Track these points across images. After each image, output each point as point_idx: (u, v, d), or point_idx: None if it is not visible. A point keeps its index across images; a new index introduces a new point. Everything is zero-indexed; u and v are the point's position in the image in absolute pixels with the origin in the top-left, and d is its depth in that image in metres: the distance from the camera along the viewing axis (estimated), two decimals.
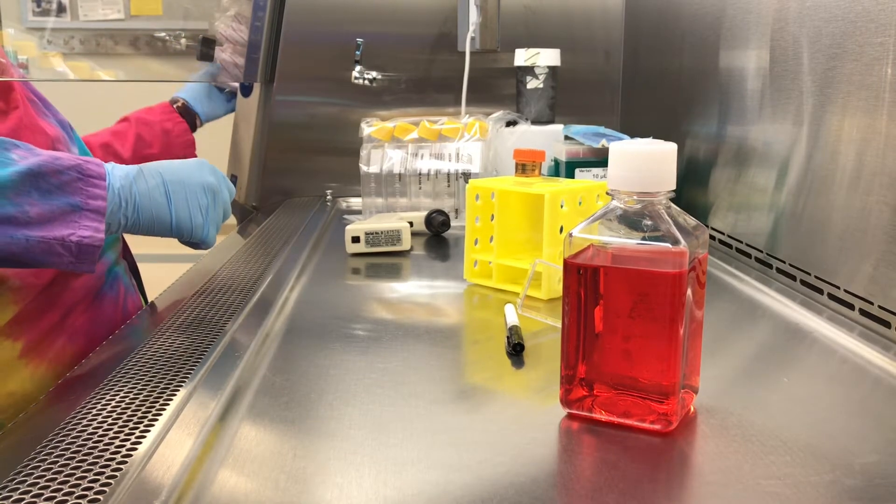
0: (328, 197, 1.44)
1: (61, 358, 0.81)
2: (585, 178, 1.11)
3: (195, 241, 0.82)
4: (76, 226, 0.69)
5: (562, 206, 0.83)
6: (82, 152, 0.90)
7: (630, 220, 0.52)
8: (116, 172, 0.76)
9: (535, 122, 1.33)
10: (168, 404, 0.56)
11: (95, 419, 0.53)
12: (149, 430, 0.52)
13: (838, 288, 0.76)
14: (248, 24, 1.39)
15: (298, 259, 0.99)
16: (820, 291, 0.79)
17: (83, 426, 0.52)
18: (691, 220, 0.54)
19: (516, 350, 0.67)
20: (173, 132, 1.30)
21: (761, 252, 0.92)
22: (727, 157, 1.02)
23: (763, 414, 0.56)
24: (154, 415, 0.54)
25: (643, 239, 0.52)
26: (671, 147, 0.52)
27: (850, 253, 0.74)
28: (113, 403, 0.56)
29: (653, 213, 0.52)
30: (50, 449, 0.49)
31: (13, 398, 0.77)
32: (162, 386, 0.59)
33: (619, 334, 0.53)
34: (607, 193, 0.53)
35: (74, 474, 0.46)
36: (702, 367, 0.57)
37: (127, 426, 0.52)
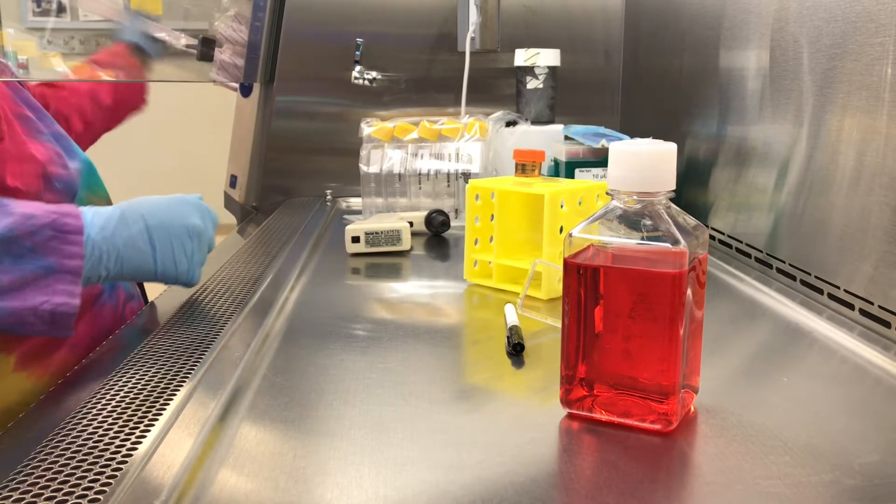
0: (328, 197, 1.44)
1: (64, 369, 0.79)
2: (585, 178, 1.11)
3: (179, 283, 0.79)
4: (50, 291, 0.66)
5: (562, 206, 0.83)
6: (83, 161, 0.88)
7: (630, 220, 0.52)
8: (96, 222, 0.72)
9: (535, 122, 1.33)
10: (168, 404, 0.56)
11: (96, 419, 0.53)
12: (149, 430, 0.52)
13: (838, 288, 0.76)
14: (247, 25, 1.39)
15: (298, 259, 0.99)
16: (820, 291, 0.79)
17: (83, 426, 0.52)
18: (691, 220, 0.54)
19: (516, 350, 0.67)
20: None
21: (761, 252, 0.92)
22: (727, 157, 1.02)
23: (763, 414, 0.56)
24: (154, 415, 0.54)
25: (643, 239, 0.52)
26: (671, 147, 0.52)
27: (850, 253, 0.74)
28: (113, 403, 0.56)
29: (653, 213, 0.52)
30: (50, 449, 0.49)
31: (12, 413, 0.74)
32: (162, 386, 0.59)
33: (619, 334, 0.53)
34: (607, 193, 0.53)
35: (74, 474, 0.46)
36: (702, 367, 0.57)
37: (127, 426, 0.52)
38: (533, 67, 1.32)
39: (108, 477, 0.46)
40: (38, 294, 0.65)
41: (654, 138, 0.57)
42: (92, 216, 0.72)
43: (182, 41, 1.35)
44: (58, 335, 0.68)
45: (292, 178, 1.47)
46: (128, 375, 0.61)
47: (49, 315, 0.66)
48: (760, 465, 0.48)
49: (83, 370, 0.64)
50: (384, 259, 1.02)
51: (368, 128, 1.26)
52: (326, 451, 0.51)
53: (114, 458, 0.48)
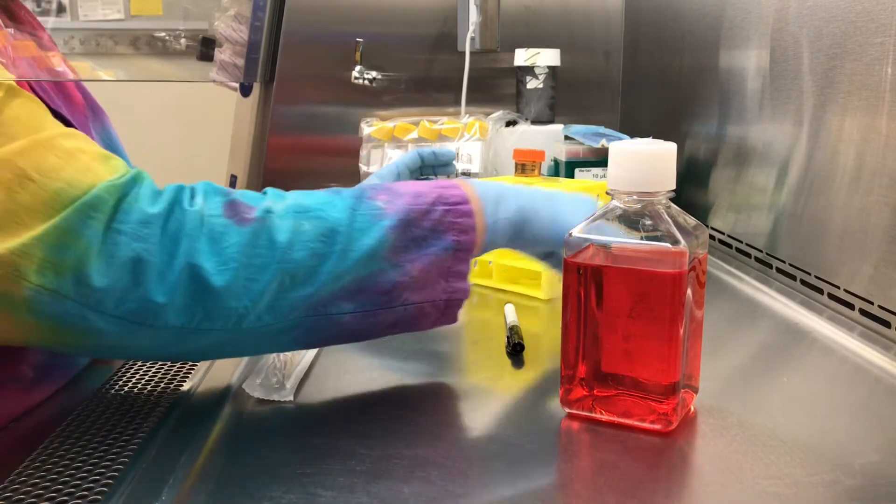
0: None
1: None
2: (585, 178, 1.11)
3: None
4: (447, 274, 0.59)
5: None
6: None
7: (630, 220, 0.52)
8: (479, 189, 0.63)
9: (535, 122, 1.33)
10: (168, 404, 0.56)
11: (97, 419, 0.53)
12: (149, 430, 0.52)
13: (838, 288, 0.76)
14: (247, 24, 1.39)
15: None
16: (820, 291, 0.79)
17: (84, 426, 0.52)
18: (691, 220, 0.54)
19: (516, 350, 0.67)
20: None
21: (761, 252, 0.92)
22: (727, 157, 1.02)
23: (763, 414, 0.56)
24: (154, 414, 0.54)
25: (643, 239, 0.52)
26: (671, 147, 0.52)
27: (850, 253, 0.74)
28: (114, 404, 0.56)
29: (653, 213, 0.52)
30: (51, 449, 0.49)
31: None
32: (163, 385, 0.59)
33: (619, 334, 0.53)
34: (607, 193, 0.53)
35: (75, 474, 0.46)
36: (702, 367, 0.57)
37: (128, 426, 0.52)
38: (533, 67, 1.32)
39: (108, 477, 0.46)
40: (438, 279, 0.59)
41: (654, 138, 0.57)
42: (473, 184, 0.64)
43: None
44: (443, 323, 0.61)
45: (292, 178, 1.47)
46: (128, 375, 0.61)
47: (444, 304, 0.60)
48: (760, 465, 0.48)
49: (84, 371, 0.64)
50: None
51: (368, 128, 1.26)
52: (326, 450, 0.51)
53: (114, 459, 0.48)
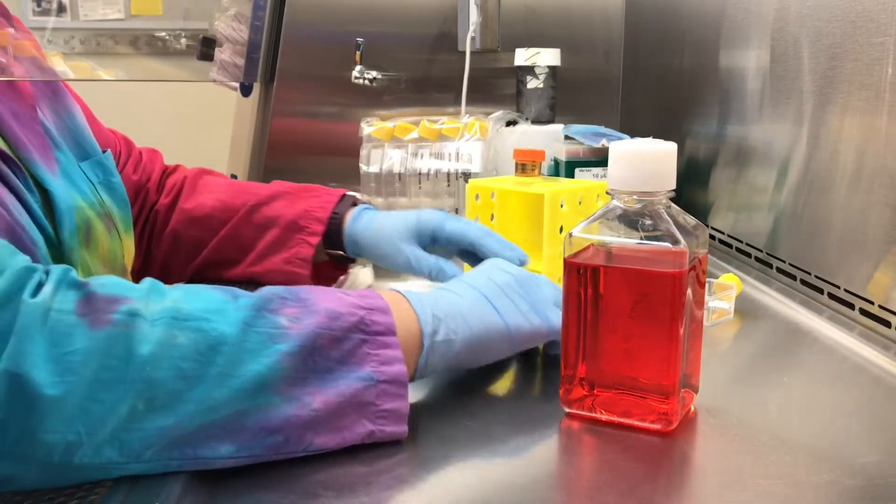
0: None
1: None
2: (585, 178, 1.11)
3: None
4: (372, 414, 0.49)
5: (562, 206, 0.83)
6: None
7: (630, 220, 0.52)
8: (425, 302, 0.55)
9: (535, 121, 1.33)
10: None
11: None
12: None
13: (838, 288, 0.76)
14: (248, 24, 1.39)
15: None
16: (820, 291, 0.79)
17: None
18: (691, 220, 0.54)
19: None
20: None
21: (761, 252, 0.92)
22: (727, 157, 1.02)
23: (763, 414, 0.56)
24: None
25: (643, 239, 0.52)
26: (671, 147, 0.52)
27: (850, 253, 0.74)
28: None
29: (653, 213, 0.52)
30: None
31: None
32: None
33: (619, 334, 0.53)
34: (607, 193, 0.53)
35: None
36: (702, 367, 0.57)
37: None
38: (533, 67, 1.32)
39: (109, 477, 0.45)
40: (360, 421, 0.49)
41: (654, 138, 0.57)
42: (417, 298, 0.55)
43: None
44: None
45: (292, 177, 1.46)
46: None
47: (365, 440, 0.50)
48: (760, 465, 0.48)
49: None
50: None
51: (368, 127, 1.26)
52: (325, 452, 0.51)
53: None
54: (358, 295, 0.52)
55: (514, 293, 0.59)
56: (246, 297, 0.48)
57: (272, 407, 0.46)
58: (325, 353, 0.48)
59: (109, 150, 0.75)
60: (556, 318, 0.59)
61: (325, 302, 0.50)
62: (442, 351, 0.54)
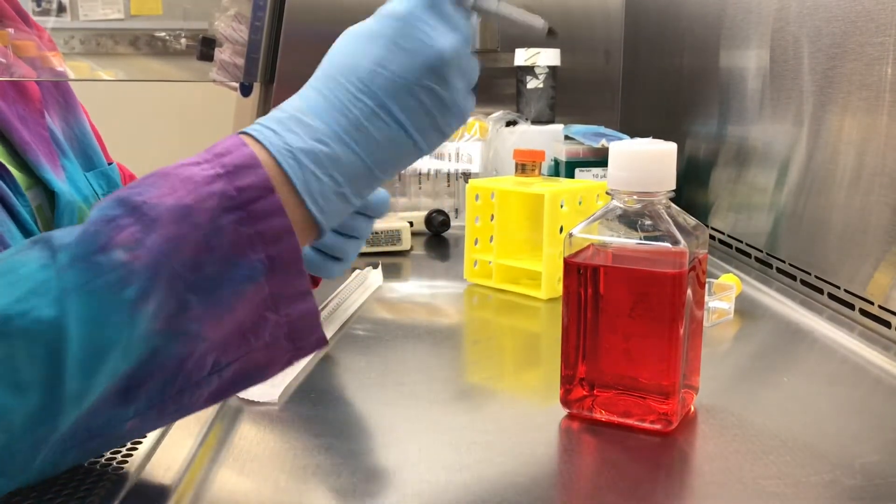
0: None
1: None
2: (585, 178, 1.11)
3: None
4: (274, 306, 0.41)
5: (562, 206, 0.83)
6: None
7: (630, 220, 0.52)
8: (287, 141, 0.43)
9: (535, 121, 1.33)
10: None
11: None
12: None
13: (838, 288, 0.76)
14: (247, 24, 1.38)
15: None
16: (820, 291, 0.79)
17: None
18: (691, 220, 0.54)
19: (552, 33, 0.52)
20: None
21: (761, 252, 0.92)
22: (727, 157, 1.02)
23: (763, 414, 0.56)
24: None
25: (643, 239, 0.52)
26: (671, 147, 0.52)
27: (850, 253, 0.74)
28: None
29: (653, 213, 0.52)
30: None
31: None
32: None
33: (619, 334, 0.53)
34: (607, 193, 0.53)
35: (75, 475, 0.46)
36: (702, 367, 0.57)
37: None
38: (533, 67, 1.32)
39: (108, 478, 0.46)
40: (264, 316, 0.41)
41: (654, 138, 0.57)
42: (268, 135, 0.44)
43: None
44: (307, 355, 0.44)
45: None
46: None
47: (287, 338, 0.42)
48: (760, 465, 0.48)
49: None
50: (384, 259, 1.02)
51: None
52: (326, 451, 0.51)
53: (114, 459, 0.48)
54: (211, 154, 0.42)
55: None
56: (65, 248, 0.37)
57: (159, 351, 0.38)
58: (198, 265, 0.38)
59: (115, 163, 0.75)
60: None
61: (167, 196, 0.38)
62: (317, 175, 0.42)
